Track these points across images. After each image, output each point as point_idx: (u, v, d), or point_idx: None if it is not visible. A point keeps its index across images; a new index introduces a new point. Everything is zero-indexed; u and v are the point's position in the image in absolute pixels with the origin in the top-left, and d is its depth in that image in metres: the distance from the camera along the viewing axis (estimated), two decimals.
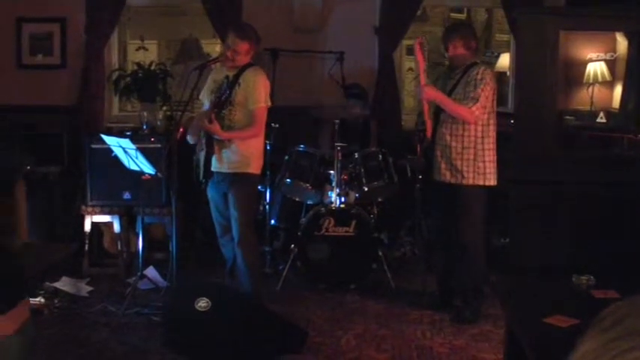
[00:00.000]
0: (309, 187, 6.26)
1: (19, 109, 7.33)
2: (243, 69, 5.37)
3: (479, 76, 5.32)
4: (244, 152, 5.28)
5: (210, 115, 5.15)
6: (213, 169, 5.35)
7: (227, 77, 5.31)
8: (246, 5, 7.38)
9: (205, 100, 5.56)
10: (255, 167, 5.36)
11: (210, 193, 5.49)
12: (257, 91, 5.28)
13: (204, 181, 5.40)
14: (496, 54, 11.04)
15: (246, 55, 5.34)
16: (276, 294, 5.97)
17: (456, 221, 5.46)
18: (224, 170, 5.32)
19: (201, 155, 5.34)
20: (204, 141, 5.29)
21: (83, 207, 6.53)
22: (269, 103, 5.36)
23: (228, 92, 5.19)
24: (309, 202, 6.53)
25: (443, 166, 5.45)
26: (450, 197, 5.48)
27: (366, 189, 6.29)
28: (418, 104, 6.68)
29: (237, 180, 5.29)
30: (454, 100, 5.38)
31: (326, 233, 6.11)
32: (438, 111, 5.53)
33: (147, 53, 9.01)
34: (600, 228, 3.48)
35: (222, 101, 5.21)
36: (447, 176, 5.42)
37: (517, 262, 3.61)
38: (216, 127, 5.14)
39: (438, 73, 8.35)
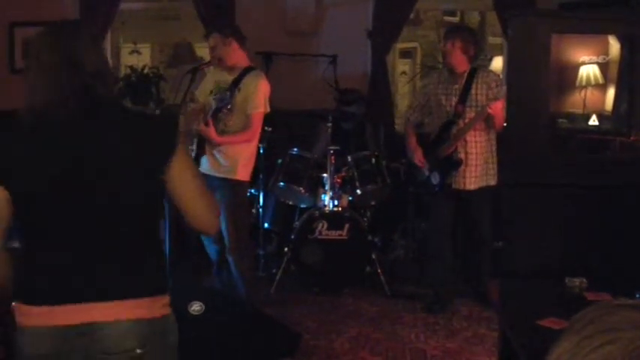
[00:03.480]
0: (303, 191, 6.26)
1: (13, 114, 7.30)
2: (243, 73, 5.33)
3: (498, 78, 5.64)
4: (233, 157, 5.22)
5: (207, 119, 5.12)
6: (201, 169, 5.33)
7: (230, 89, 5.26)
8: (239, 9, 7.38)
9: (200, 98, 5.52)
10: (242, 174, 5.29)
11: None
12: (257, 96, 5.22)
13: None
14: (489, 57, 11.07)
15: (224, 45, 5.26)
16: (269, 297, 5.97)
17: (479, 222, 5.66)
18: (211, 173, 5.27)
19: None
20: (195, 141, 5.27)
21: None
22: (267, 109, 5.30)
23: (229, 102, 5.14)
24: (302, 206, 6.52)
25: (472, 174, 5.57)
26: (470, 202, 5.64)
27: (359, 192, 6.29)
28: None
29: (224, 186, 5.23)
30: (477, 108, 5.50)
31: (319, 237, 6.11)
32: (447, 127, 5.61)
33: (140, 57, 9.04)
34: (593, 231, 3.49)
35: (222, 109, 5.17)
36: (473, 183, 5.55)
37: (510, 265, 3.61)
38: (212, 131, 5.11)
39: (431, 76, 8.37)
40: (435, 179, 5.62)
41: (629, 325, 1.00)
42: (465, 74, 5.56)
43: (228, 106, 5.12)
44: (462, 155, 5.53)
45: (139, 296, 2.29)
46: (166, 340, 2.39)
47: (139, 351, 2.26)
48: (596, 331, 1.01)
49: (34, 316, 2.23)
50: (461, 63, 5.54)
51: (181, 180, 2.34)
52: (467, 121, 5.50)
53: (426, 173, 5.69)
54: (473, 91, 5.50)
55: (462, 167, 5.53)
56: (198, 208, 2.41)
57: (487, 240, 5.68)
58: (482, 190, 5.52)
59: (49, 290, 2.23)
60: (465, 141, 5.53)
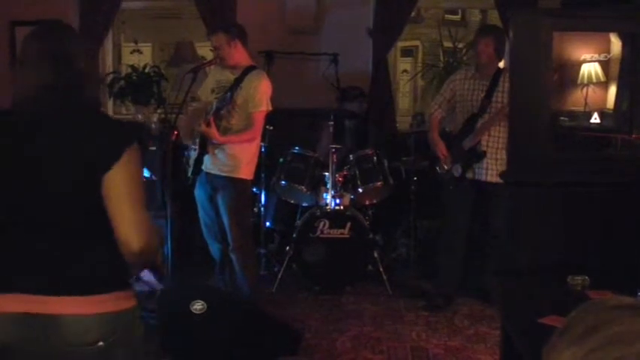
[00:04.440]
0: (304, 189, 6.26)
1: None
2: (245, 72, 5.33)
3: None
4: (237, 155, 5.23)
5: (208, 120, 5.12)
6: (203, 168, 5.33)
7: (231, 89, 5.25)
8: (240, 8, 7.38)
9: (202, 97, 5.52)
10: (246, 172, 5.31)
11: (197, 192, 5.47)
12: (259, 94, 5.23)
13: (192, 177, 5.38)
14: None
15: (228, 46, 5.26)
16: (271, 296, 5.97)
17: (494, 216, 5.62)
18: (214, 172, 5.28)
19: (192, 154, 5.32)
20: (197, 141, 5.27)
21: None
22: (270, 108, 5.30)
23: (229, 103, 5.13)
24: (304, 205, 6.52)
25: (493, 166, 5.62)
26: (489, 195, 5.64)
27: (360, 191, 6.29)
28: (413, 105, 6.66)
29: (227, 184, 5.25)
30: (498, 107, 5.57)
31: (321, 235, 6.11)
32: (472, 120, 5.68)
33: (141, 56, 9.03)
34: (595, 228, 3.48)
35: (222, 110, 5.16)
36: (495, 176, 5.54)
37: (512, 263, 3.61)
38: (214, 131, 5.11)
39: (433, 74, 8.35)
40: (457, 172, 5.68)
41: (636, 335, 0.98)
42: (494, 71, 5.66)
43: (228, 107, 5.11)
44: (485, 148, 5.60)
45: (100, 292, 2.32)
46: (131, 333, 2.43)
47: (101, 344, 2.30)
48: (604, 343, 0.99)
49: None
50: (493, 61, 5.68)
51: (114, 190, 2.30)
52: (492, 115, 5.57)
53: (448, 166, 5.72)
54: (500, 88, 5.59)
55: (485, 160, 5.60)
56: (125, 225, 2.32)
57: (499, 236, 5.68)
58: (502, 186, 5.53)
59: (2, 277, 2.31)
60: (489, 135, 5.62)
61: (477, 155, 5.63)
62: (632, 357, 0.96)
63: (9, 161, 2.32)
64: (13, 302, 2.27)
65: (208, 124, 5.09)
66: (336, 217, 6.14)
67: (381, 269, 6.16)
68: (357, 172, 6.29)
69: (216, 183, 5.31)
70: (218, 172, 5.27)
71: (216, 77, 5.49)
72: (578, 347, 1.01)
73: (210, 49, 5.54)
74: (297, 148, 6.37)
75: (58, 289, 2.28)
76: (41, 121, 2.33)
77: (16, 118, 2.34)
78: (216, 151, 5.23)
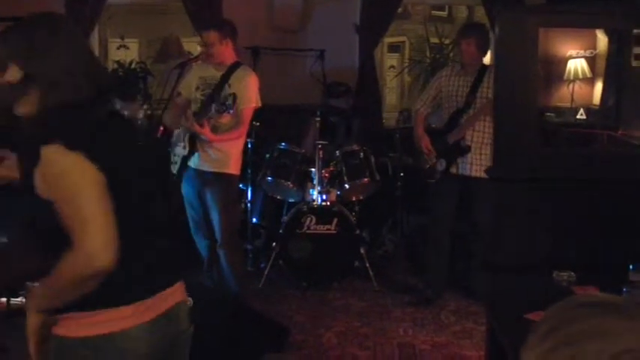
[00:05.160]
0: (291, 185, 6.24)
1: None
2: (231, 69, 5.32)
3: None
4: (226, 152, 5.23)
5: (202, 119, 5.08)
6: (192, 165, 5.31)
7: (219, 86, 5.23)
8: (227, 3, 7.36)
9: (184, 93, 5.46)
10: (234, 167, 5.32)
11: (185, 189, 5.44)
12: (249, 92, 5.22)
13: (177, 174, 5.35)
14: None
15: (220, 44, 5.24)
16: (258, 292, 5.96)
17: (479, 211, 5.61)
18: (204, 168, 5.27)
19: (179, 151, 5.30)
20: (186, 138, 5.25)
21: None
22: (259, 104, 5.31)
23: (230, 109, 5.07)
24: (290, 200, 6.51)
25: (478, 161, 5.63)
26: (475, 190, 5.65)
27: (347, 187, 6.28)
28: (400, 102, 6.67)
29: (217, 179, 5.25)
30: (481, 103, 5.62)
31: (308, 231, 6.10)
32: (457, 115, 5.72)
33: (127, 52, 9.00)
34: (581, 225, 3.50)
35: (223, 114, 5.12)
36: (480, 171, 5.55)
37: (498, 258, 3.62)
38: (206, 131, 5.08)
39: (420, 69, 8.38)
40: (441, 166, 5.71)
41: (595, 333, 0.98)
42: (478, 68, 5.70)
43: (231, 111, 5.05)
44: (470, 143, 5.64)
45: (180, 280, 2.45)
46: None
47: (191, 329, 2.48)
48: (561, 342, 0.98)
49: (129, 318, 2.19)
50: (476, 59, 5.72)
51: None
52: (477, 111, 5.61)
53: (433, 160, 5.75)
54: (485, 84, 5.61)
55: (470, 154, 5.62)
56: None
57: (484, 231, 5.69)
58: (488, 181, 5.54)
59: (141, 285, 2.26)
60: (474, 129, 5.65)
61: (461, 149, 5.65)
62: (584, 355, 0.96)
63: (142, 160, 2.34)
64: (156, 305, 2.27)
65: (202, 125, 5.06)
66: (322, 213, 6.13)
67: (368, 265, 6.15)
68: (344, 168, 6.28)
69: (206, 179, 5.29)
70: (208, 169, 5.26)
71: (199, 74, 5.45)
72: (537, 348, 1.01)
73: (198, 44, 5.52)
74: (283, 144, 6.35)
75: (172, 280, 2.37)
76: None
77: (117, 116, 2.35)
78: (205, 148, 5.22)
